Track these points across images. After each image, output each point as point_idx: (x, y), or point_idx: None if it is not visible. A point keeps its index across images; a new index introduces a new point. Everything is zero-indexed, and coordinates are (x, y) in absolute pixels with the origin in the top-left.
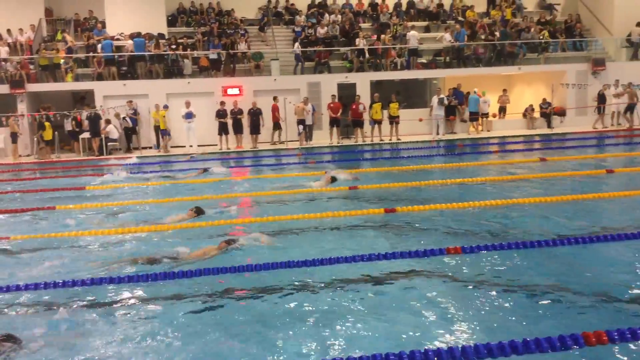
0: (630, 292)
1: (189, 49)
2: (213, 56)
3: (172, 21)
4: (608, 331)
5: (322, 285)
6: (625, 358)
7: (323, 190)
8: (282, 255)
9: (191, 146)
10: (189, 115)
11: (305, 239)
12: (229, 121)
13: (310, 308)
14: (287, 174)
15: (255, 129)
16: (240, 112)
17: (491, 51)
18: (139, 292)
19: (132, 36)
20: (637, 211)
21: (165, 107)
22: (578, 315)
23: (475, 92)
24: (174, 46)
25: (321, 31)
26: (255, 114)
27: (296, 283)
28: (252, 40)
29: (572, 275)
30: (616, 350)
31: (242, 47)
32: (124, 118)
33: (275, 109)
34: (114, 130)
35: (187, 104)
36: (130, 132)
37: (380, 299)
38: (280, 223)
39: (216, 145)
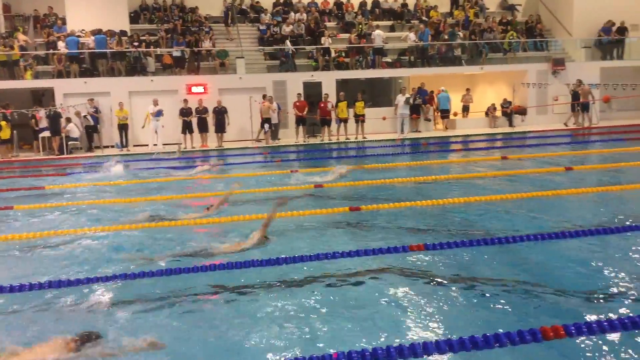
0: (587, 287)
1: (152, 47)
2: (177, 54)
3: (134, 18)
4: (565, 325)
5: (287, 284)
6: (583, 352)
7: (287, 189)
8: (248, 254)
9: (155, 145)
10: (159, 113)
11: (270, 238)
12: (194, 120)
13: (276, 306)
14: (255, 173)
15: (220, 128)
16: (205, 110)
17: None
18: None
19: (93, 33)
20: (593, 208)
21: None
22: (537, 310)
23: (443, 90)
24: (136, 43)
25: (286, 29)
26: (220, 113)
27: (261, 282)
28: (217, 38)
29: (532, 271)
30: (573, 344)
31: (206, 44)
32: (84, 116)
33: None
34: (74, 129)
35: (155, 102)
36: (91, 130)
37: (344, 296)
38: (244, 223)
39: (180, 144)
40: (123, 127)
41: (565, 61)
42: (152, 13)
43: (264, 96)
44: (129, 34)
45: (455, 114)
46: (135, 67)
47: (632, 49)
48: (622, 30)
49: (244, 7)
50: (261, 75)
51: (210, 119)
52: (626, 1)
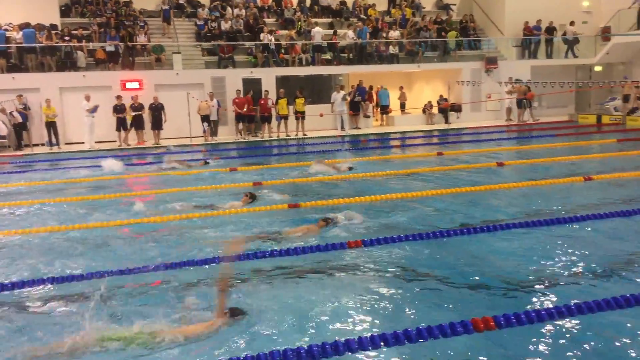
0: (519, 278)
1: (84, 41)
2: (110, 48)
3: (65, 11)
4: (495, 317)
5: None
6: (512, 343)
7: (227, 186)
8: (194, 252)
9: (84, 143)
10: (95, 109)
11: (207, 237)
12: (129, 116)
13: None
14: (195, 171)
15: (156, 125)
16: (141, 107)
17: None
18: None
19: (21, 27)
20: (524, 202)
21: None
22: (469, 303)
23: (382, 87)
24: (67, 38)
25: (225, 25)
26: (156, 109)
27: (203, 280)
28: (153, 33)
29: (468, 264)
30: (504, 335)
31: (141, 39)
32: (10, 113)
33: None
34: (1, 127)
35: (87, 98)
36: (20, 128)
37: (282, 295)
38: (182, 222)
39: (115, 141)
40: (51, 125)
41: (497, 60)
42: (83, 7)
43: (212, 95)
44: (59, 28)
45: (390, 110)
46: (67, 63)
47: (560, 47)
48: (551, 29)
49: (180, 1)
50: (199, 71)
51: (147, 116)
52: (555, 2)
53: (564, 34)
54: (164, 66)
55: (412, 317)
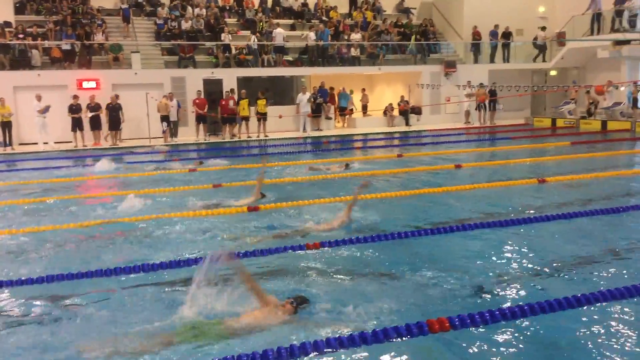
0: (473, 280)
1: (39, 39)
2: (66, 47)
3: (20, 8)
4: (450, 318)
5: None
6: (468, 343)
7: (186, 188)
8: (139, 255)
9: (46, 143)
10: (46, 110)
11: (167, 239)
12: (85, 117)
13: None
14: (154, 172)
15: (114, 125)
16: (98, 107)
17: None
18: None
19: None
20: (480, 203)
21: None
22: (426, 304)
23: (343, 89)
24: (21, 35)
25: (185, 25)
26: (114, 109)
27: (156, 286)
28: (111, 32)
29: (426, 265)
30: (459, 336)
31: (99, 38)
32: None
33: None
34: None
35: (38, 98)
36: None
37: (238, 298)
38: (139, 223)
39: (71, 142)
40: (6, 125)
41: (456, 63)
42: (39, 4)
43: (171, 96)
44: (13, 25)
45: (351, 112)
46: (21, 61)
47: (517, 52)
48: (508, 34)
49: (140, 0)
50: (158, 71)
51: (104, 116)
52: (511, 8)
53: (535, 38)
54: (122, 65)
55: (368, 319)
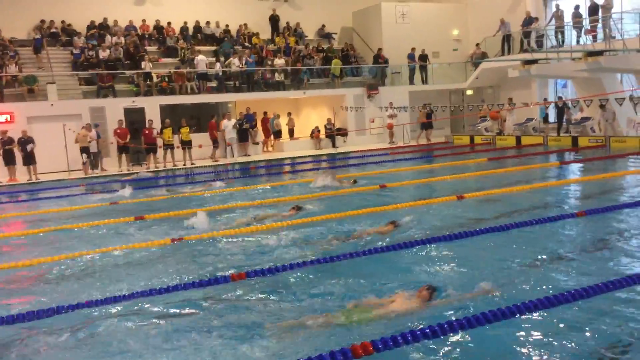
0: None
1: None
2: None
3: None
4: (373, 341)
5: (108, 323)
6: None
7: (105, 223)
8: (58, 298)
9: None
10: None
11: (91, 277)
12: None
13: (99, 346)
14: (72, 207)
15: (28, 160)
16: (11, 141)
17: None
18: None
19: None
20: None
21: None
22: (348, 331)
23: (273, 114)
24: None
25: (103, 53)
26: (27, 143)
27: (81, 325)
28: (25, 63)
29: (350, 289)
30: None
31: (12, 69)
32: None
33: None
34: None
35: None
36: None
37: (165, 333)
38: (62, 262)
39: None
40: None
41: (378, 86)
42: None
43: (89, 127)
44: None
45: (274, 137)
46: None
47: (435, 73)
48: (424, 57)
49: (54, 29)
50: (76, 102)
51: (18, 151)
52: (427, 31)
53: (472, 57)
54: (37, 97)
55: (293, 348)
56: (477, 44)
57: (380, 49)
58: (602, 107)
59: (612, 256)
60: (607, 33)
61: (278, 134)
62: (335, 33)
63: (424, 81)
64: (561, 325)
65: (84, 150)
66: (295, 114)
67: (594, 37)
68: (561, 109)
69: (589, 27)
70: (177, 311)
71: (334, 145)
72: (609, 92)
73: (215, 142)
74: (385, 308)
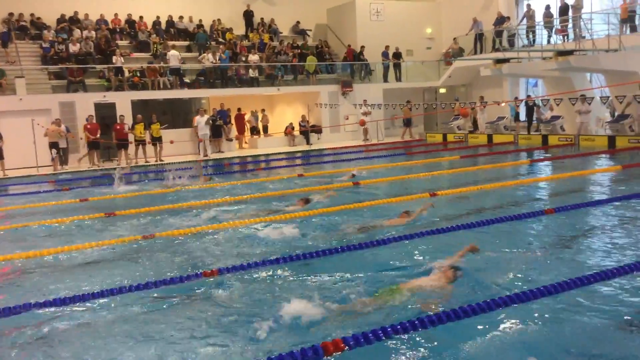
0: (370, 298)
1: None
2: None
3: None
4: (344, 338)
5: (77, 323)
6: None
7: (75, 219)
8: (23, 296)
9: None
10: None
11: (57, 275)
12: None
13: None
14: (41, 203)
15: None
16: None
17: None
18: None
19: None
20: (373, 219)
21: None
22: (321, 328)
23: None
24: None
25: (73, 47)
26: None
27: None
28: None
29: (324, 287)
30: (356, 354)
31: None
32: None
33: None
34: None
35: None
36: None
37: (140, 329)
38: (30, 260)
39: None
40: None
41: (352, 83)
42: None
43: (59, 122)
44: None
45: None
46: None
47: (408, 71)
48: (398, 55)
49: (23, 23)
50: (45, 96)
51: None
52: (401, 30)
53: (449, 51)
54: (5, 92)
55: (264, 345)
56: (455, 39)
57: (349, 45)
58: (583, 101)
59: (579, 253)
60: (577, 33)
61: (254, 131)
62: (310, 30)
63: (398, 79)
64: (527, 321)
65: (54, 145)
66: (270, 110)
67: (565, 37)
68: (531, 108)
69: (559, 27)
70: (146, 309)
71: (308, 142)
72: (577, 90)
73: None
74: (412, 284)
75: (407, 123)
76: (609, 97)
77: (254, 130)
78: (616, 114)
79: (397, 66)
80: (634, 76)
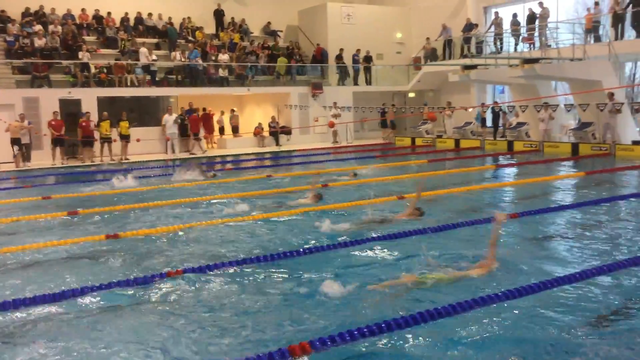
0: (341, 299)
1: None
2: None
3: None
4: (311, 341)
5: (37, 325)
6: None
7: (39, 217)
8: None
9: None
10: None
11: (17, 274)
12: None
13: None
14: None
15: None
16: None
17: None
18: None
19: None
20: (343, 222)
21: None
22: (287, 332)
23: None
24: None
25: (39, 42)
26: None
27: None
28: None
29: (288, 289)
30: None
31: None
32: None
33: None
34: None
35: None
36: None
37: (98, 331)
38: None
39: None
40: None
41: (322, 85)
42: None
43: (23, 117)
44: None
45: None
46: None
47: (378, 75)
48: (369, 58)
49: None
50: (9, 91)
51: None
52: (371, 34)
53: (417, 60)
54: None
55: (230, 348)
56: (428, 39)
57: (318, 44)
58: (546, 109)
59: (542, 257)
60: (543, 42)
61: (222, 131)
62: (281, 31)
63: (369, 82)
64: (492, 326)
65: (16, 142)
66: (239, 110)
67: (531, 45)
68: (497, 114)
69: (526, 35)
70: (105, 310)
71: (277, 144)
72: (542, 96)
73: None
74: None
75: (392, 125)
76: (572, 104)
77: (222, 131)
78: (580, 121)
79: (367, 69)
80: (597, 84)
